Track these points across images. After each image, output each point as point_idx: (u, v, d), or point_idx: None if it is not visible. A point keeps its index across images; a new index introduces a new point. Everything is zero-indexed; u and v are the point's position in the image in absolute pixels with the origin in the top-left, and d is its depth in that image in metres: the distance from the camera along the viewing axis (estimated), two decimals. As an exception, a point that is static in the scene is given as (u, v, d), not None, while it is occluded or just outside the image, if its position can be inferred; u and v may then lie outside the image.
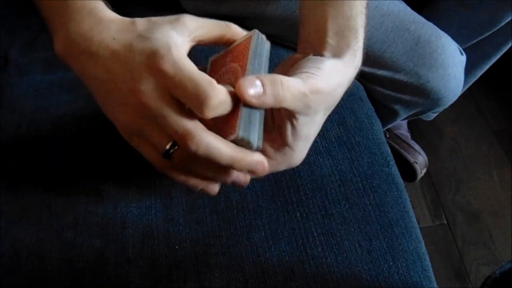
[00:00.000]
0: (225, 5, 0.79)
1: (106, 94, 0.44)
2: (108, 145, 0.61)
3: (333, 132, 0.65)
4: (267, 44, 0.49)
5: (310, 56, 0.49)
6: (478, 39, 0.97)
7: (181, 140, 0.41)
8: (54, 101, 0.70)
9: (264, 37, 0.48)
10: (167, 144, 0.42)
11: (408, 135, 1.29)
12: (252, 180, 0.56)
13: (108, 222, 0.58)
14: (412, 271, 0.53)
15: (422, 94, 0.81)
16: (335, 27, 0.49)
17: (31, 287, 0.54)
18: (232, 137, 0.42)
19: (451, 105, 1.06)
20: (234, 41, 0.47)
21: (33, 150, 0.66)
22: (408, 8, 0.80)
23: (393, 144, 1.25)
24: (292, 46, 0.78)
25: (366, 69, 0.78)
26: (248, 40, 0.47)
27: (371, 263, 0.53)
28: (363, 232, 0.55)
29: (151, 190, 0.60)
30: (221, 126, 0.44)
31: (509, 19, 0.90)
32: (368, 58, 0.77)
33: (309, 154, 0.61)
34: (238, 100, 0.42)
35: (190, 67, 0.41)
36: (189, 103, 0.41)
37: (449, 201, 1.29)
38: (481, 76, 1.09)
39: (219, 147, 0.41)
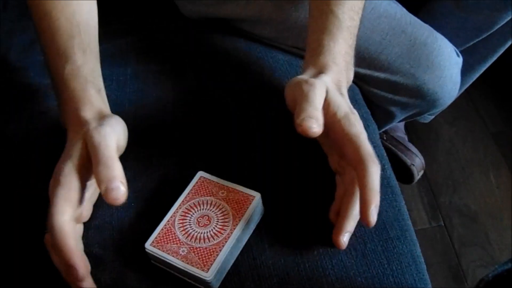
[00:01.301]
0: (222, 8, 0.79)
1: None
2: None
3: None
4: (262, 212, 0.57)
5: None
6: (475, 41, 0.97)
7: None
8: (52, 105, 0.71)
9: (261, 202, 0.56)
10: None
11: (405, 137, 1.29)
12: (249, 182, 0.57)
13: (105, 226, 0.58)
14: (407, 274, 0.53)
15: (419, 95, 0.81)
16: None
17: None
18: (203, 274, 0.49)
19: (449, 107, 1.06)
20: None
21: (30, 153, 0.66)
22: (405, 10, 0.80)
23: (390, 146, 1.25)
24: (287, 50, 0.78)
25: (362, 71, 0.79)
26: (250, 198, 0.55)
27: (366, 265, 0.53)
28: (357, 235, 0.55)
29: (148, 194, 0.61)
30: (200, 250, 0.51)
31: (505, 21, 0.91)
32: (364, 60, 0.77)
33: (305, 158, 0.62)
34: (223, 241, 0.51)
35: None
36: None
37: (446, 203, 1.29)
38: (478, 78, 1.09)
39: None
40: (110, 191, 0.46)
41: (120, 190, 0.46)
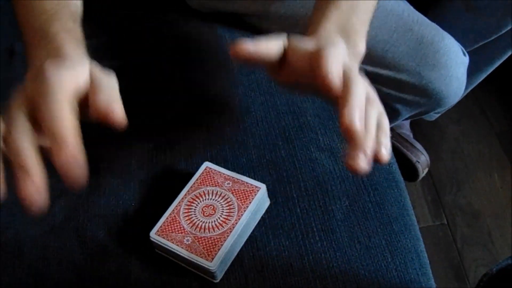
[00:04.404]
0: (230, 3, 0.79)
1: None
2: (111, 137, 0.61)
3: (335, 130, 0.65)
4: (267, 203, 0.57)
5: None
6: (483, 42, 0.97)
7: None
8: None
9: (266, 194, 0.56)
10: None
11: (410, 134, 1.29)
12: (255, 173, 0.57)
13: (110, 214, 0.58)
14: (410, 268, 0.53)
15: (424, 94, 0.81)
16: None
17: (32, 276, 0.54)
18: (207, 263, 0.49)
19: (454, 106, 1.06)
20: None
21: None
22: (412, 8, 0.80)
23: (396, 143, 1.25)
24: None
25: (369, 68, 0.79)
26: (255, 189, 0.55)
27: (369, 259, 0.53)
28: (362, 228, 0.55)
29: (153, 184, 0.61)
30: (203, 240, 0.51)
31: (514, 24, 0.90)
32: (371, 57, 0.77)
33: (310, 151, 0.62)
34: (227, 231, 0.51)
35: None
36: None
37: (449, 201, 1.29)
38: (484, 78, 1.09)
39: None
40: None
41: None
